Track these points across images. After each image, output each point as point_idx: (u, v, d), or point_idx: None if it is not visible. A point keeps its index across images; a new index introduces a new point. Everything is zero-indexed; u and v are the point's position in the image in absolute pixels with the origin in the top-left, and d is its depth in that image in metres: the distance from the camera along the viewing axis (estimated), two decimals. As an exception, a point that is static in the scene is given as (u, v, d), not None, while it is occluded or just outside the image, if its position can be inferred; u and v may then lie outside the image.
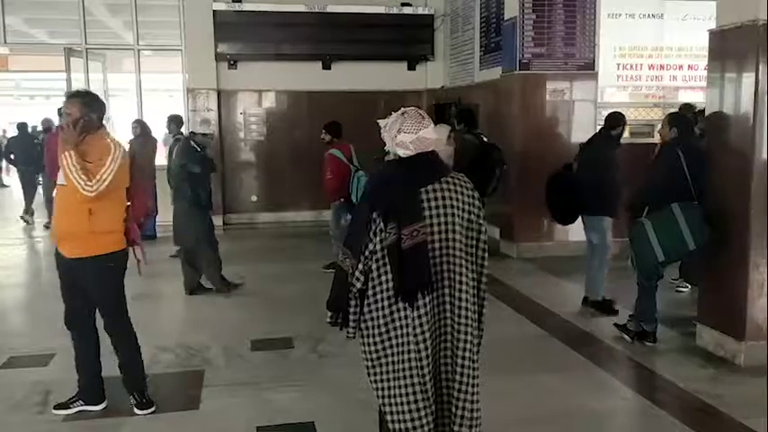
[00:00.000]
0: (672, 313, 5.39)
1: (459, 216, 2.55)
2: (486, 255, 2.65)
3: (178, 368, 4.50)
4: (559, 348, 4.84)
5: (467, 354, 2.57)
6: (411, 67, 10.72)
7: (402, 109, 2.62)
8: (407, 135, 2.54)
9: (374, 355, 2.59)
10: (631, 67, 8.10)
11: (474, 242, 2.61)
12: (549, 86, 7.73)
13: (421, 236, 2.49)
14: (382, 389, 2.59)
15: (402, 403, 2.54)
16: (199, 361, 4.59)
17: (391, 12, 10.32)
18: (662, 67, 8.23)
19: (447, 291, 2.56)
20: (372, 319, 2.56)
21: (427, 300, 2.52)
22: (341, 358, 4.62)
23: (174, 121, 8.58)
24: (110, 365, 3.91)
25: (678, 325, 5.18)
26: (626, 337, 4.90)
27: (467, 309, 2.57)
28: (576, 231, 7.95)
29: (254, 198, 10.56)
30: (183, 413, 3.81)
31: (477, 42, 9.18)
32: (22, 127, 11.85)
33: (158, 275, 7.25)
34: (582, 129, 7.81)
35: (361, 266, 2.54)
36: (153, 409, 3.80)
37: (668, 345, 4.85)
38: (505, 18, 7.89)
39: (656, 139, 6.11)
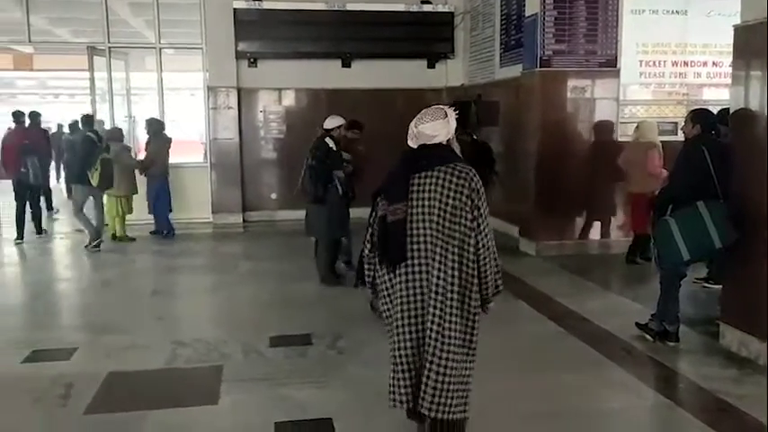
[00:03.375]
0: (694, 313, 5.32)
1: (441, 201, 2.86)
2: (485, 239, 2.90)
3: (197, 363, 4.52)
4: (578, 346, 4.79)
5: (435, 327, 2.87)
6: (431, 65, 10.69)
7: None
8: (413, 129, 2.97)
9: (384, 313, 3.04)
10: (655, 63, 7.99)
11: (463, 226, 2.85)
12: (570, 84, 7.66)
13: (401, 214, 2.89)
14: (390, 343, 2.99)
15: (393, 363, 2.95)
16: (217, 356, 4.61)
17: (411, 9, 10.29)
18: (686, 63, 8.11)
19: (428, 264, 2.89)
20: (381, 283, 3.02)
21: (407, 269, 2.90)
22: (359, 355, 4.62)
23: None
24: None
25: (701, 325, 5.11)
26: (647, 336, 4.84)
27: (439, 286, 2.86)
28: (595, 230, 7.95)
29: (273, 196, 10.60)
30: (202, 408, 3.83)
31: (498, 40, 9.14)
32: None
33: (176, 271, 7.34)
34: (602, 127, 7.75)
35: (368, 236, 3.08)
36: None
37: (690, 344, 4.78)
38: (526, 15, 7.83)
39: (680, 136, 6.02)
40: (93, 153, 8.20)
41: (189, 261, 7.86)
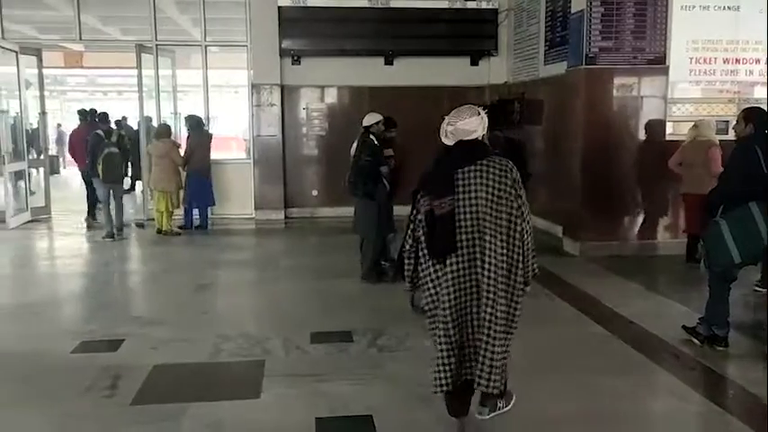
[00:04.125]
0: (744, 317, 5.18)
1: (486, 192, 3.08)
2: (525, 226, 3.11)
3: (240, 357, 4.57)
4: (623, 350, 4.71)
5: (489, 309, 3.11)
6: (474, 63, 10.62)
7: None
8: (449, 126, 3.17)
9: (427, 305, 3.23)
10: (705, 60, 7.77)
11: (506, 214, 3.08)
12: (616, 81, 7.52)
13: (449, 207, 3.09)
14: (433, 335, 3.23)
15: (439, 350, 3.16)
16: (260, 351, 4.65)
17: (455, 6, 10.24)
18: (737, 60, 7.87)
19: (477, 253, 3.11)
20: (424, 276, 3.20)
21: (457, 259, 3.10)
22: (400, 353, 4.62)
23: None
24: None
25: (751, 329, 4.97)
26: (695, 340, 4.72)
27: (491, 270, 3.09)
28: (642, 230, 7.79)
29: (314, 192, 10.67)
30: (245, 401, 3.87)
31: (543, 37, 9.02)
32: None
33: (219, 266, 7.44)
34: (650, 126, 7.59)
35: (409, 231, 3.25)
36: None
37: (739, 349, 4.65)
38: (572, 11, 7.71)
39: (731, 135, 5.86)
40: (99, 148, 8.67)
41: (232, 256, 7.97)
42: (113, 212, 8.97)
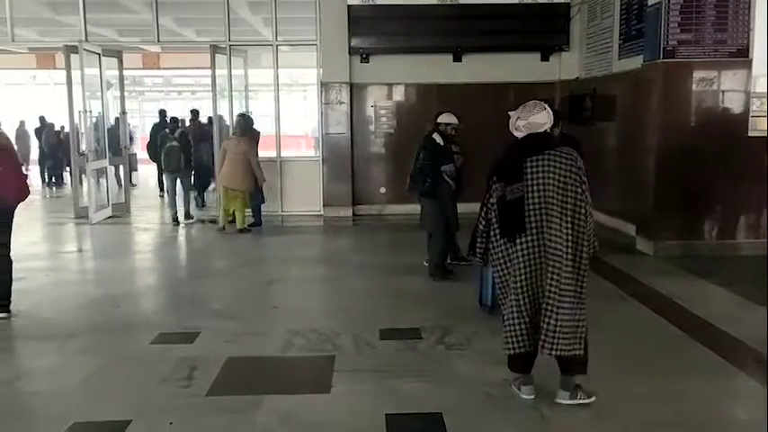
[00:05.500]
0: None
1: (554, 179, 3.46)
2: (588, 209, 3.48)
3: (310, 352, 4.64)
4: (703, 353, 4.54)
5: (554, 282, 3.48)
6: (544, 58, 10.43)
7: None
8: (521, 121, 3.58)
9: (498, 279, 3.67)
10: (791, 53, 7.40)
11: (572, 198, 3.44)
12: (696, 75, 7.25)
13: (519, 192, 3.49)
14: (503, 305, 3.68)
15: (510, 317, 3.59)
16: (330, 347, 4.71)
17: (525, 1, 10.08)
18: (827, 52, 7.46)
19: (545, 233, 3.49)
20: (495, 253, 3.65)
21: (526, 239, 3.51)
22: (469, 351, 4.60)
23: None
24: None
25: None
26: (779, 345, 4.52)
27: (557, 248, 3.46)
28: (722, 230, 7.48)
29: (382, 190, 10.73)
30: (315, 396, 3.93)
31: (617, 30, 8.78)
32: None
33: (289, 262, 7.57)
34: (731, 121, 7.29)
35: (483, 214, 3.68)
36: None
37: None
38: (649, 3, 7.47)
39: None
40: (163, 142, 10.46)
41: (301, 252, 8.09)
42: (179, 200, 10.24)
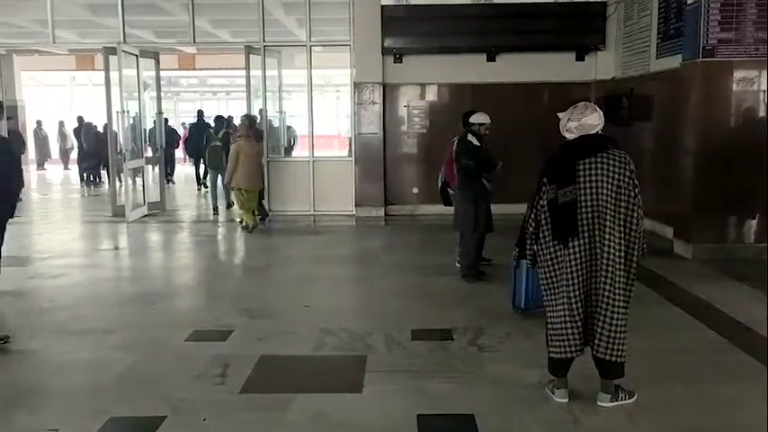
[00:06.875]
0: None
1: (607, 182, 3.41)
2: (640, 212, 3.45)
3: (342, 351, 4.65)
4: (742, 359, 4.43)
5: (608, 287, 3.45)
6: (580, 58, 10.30)
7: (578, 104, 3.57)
8: (572, 122, 3.52)
9: (545, 282, 3.63)
10: (836, 52, 7.19)
11: (624, 201, 3.41)
12: (736, 75, 7.09)
13: (572, 195, 3.45)
14: (549, 308, 3.63)
15: (560, 319, 3.54)
16: (361, 346, 4.71)
17: (560, 0, 9.97)
18: None
19: (597, 237, 3.45)
20: (543, 255, 3.60)
21: (579, 242, 3.46)
22: (501, 353, 4.56)
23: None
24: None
25: None
26: (823, 352, 4.39)
27: (611, 252, 3.43)
28: (761, 234, 7.30)
29: (415, 190, 10.70)
30: (347, 395, 3.93)
31: (655, 29, 8.63)
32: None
33: (321, 261, 7.59)
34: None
35: (532, 215, 3.63)
36: None
37: None
38: (689, 1, 7.33)
39: None
40: (207, 141, 11.74)
41: (333, 252, 8.12)
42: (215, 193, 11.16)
